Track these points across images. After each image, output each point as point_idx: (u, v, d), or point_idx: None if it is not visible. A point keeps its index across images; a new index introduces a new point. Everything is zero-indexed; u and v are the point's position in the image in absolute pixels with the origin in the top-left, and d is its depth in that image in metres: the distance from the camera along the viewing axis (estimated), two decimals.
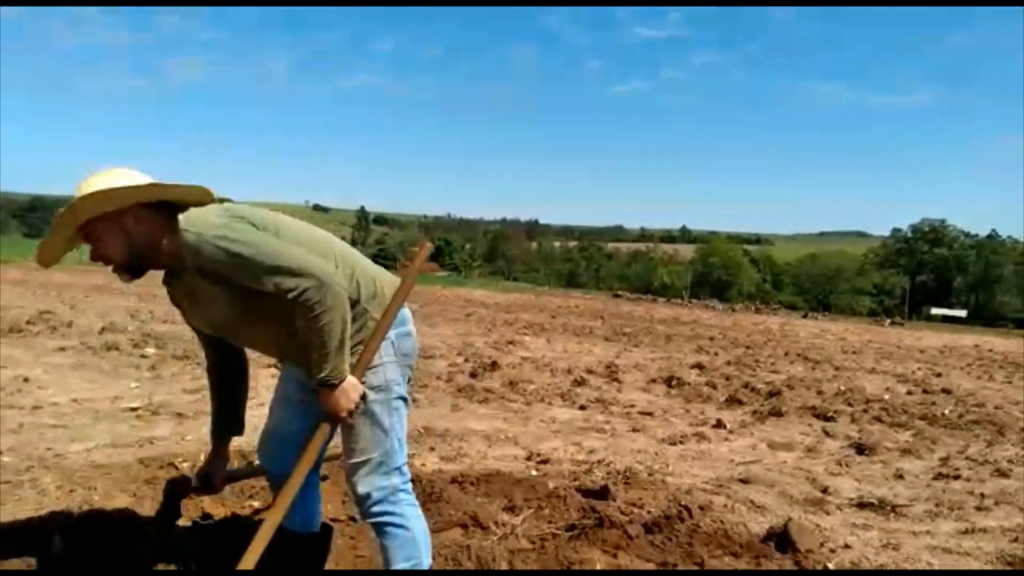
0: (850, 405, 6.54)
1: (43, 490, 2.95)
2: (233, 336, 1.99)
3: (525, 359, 8.37)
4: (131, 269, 1.82)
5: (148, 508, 2.83)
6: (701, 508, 2.89)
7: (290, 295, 1.73)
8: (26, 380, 5.16)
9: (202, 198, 1.80)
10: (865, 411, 6.25)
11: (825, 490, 3.81)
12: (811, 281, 51.50)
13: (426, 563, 2.01)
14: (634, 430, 5.07)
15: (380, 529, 1.97)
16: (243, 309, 1.83)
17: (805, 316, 24.41)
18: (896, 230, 59.69)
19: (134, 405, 4.65)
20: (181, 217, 1.78)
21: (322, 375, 1.80)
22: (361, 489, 1.93)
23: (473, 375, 6.84)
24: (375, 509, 1.94)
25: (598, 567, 2.39)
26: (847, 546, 2.91)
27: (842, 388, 7.56)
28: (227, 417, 2.17)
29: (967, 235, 56.86)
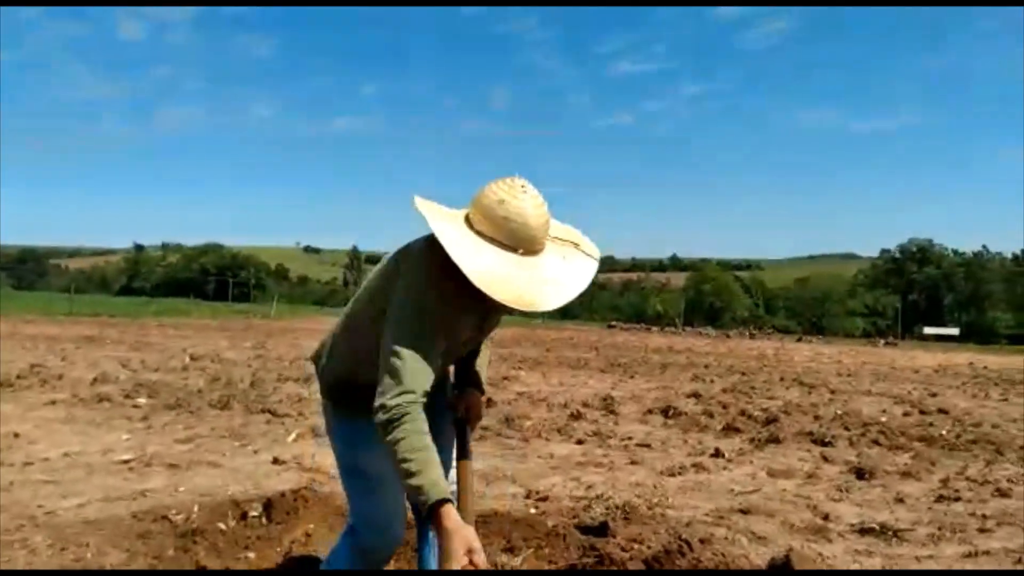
0: (847, 429, 6.53)
1: (34, 549, 2.91)
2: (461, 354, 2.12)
3: (521, 394, 8.33)
4: None
5: (141, 564, 2.79)
6: (702, 541, 2.87)
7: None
8: (16, 436, 5.10)
9: None
10: (863, 435, 6.24)
11: (826, 517, 3.78)
12: (803, 304, 51.65)
13: None
14: (632, 462, 5.04)
15: None
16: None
17: (799, 340, 24.45)
18: (885, 251, 60.13)
19: (126, 457, 4.60)
20: None
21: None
22: None
23: None
24: None
25: None
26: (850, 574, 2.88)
27: (839, 412, 7.55)
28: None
29: (956, 253, 57.34)
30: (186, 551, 2.97)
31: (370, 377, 1.78)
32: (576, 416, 6.85)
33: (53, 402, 6.64)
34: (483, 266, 1.70)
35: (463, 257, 1.69)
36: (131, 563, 2.77)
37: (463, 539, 1.59)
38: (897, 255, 57.64)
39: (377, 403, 1.70)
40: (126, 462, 4.49)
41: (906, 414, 7.78)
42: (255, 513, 3.31)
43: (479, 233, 1.75)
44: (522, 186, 1.76)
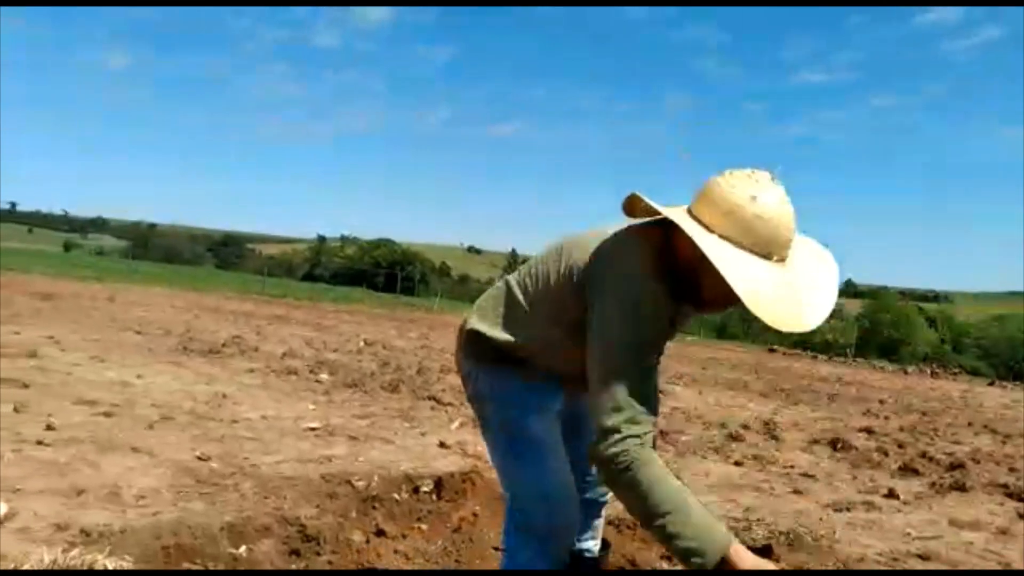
0: None
1: (244, 495, 3.33)
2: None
3: (675, 409, 8.19)
4: None
5: (329, 520, 3.10)
6: None
7: None
8: (224, 396, 5.80)
9: None
10: None
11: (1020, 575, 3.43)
12: (998, 345, 46.16)
13: None
14: (795, 492, 4.82)
15: None
16: None
17: (991, 384, 21.91)
18: None
19: (313, 425, 5.09)
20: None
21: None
22: None
23: None
24: None
25: None
26: None
27: None
28: None
29: None
30: (366, 515, 3.26)
31: (540, 358, 1.78)
32: (734, 437, 6.64)
33: (251, 370, 7.46)
34: (753, 282, 1.42)
35: (735, 274, 1.41)
36: (321, 517, 3.09)
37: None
38: None
39: (606, 435, 1.47)
40: (313, 429, 4.97)
41: None
42: (426, 489, 3.57)
43: (725, 238, 1.46)
44: (772, 178, 1.50)
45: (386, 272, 54.96)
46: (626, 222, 1.73)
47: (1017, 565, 3.64)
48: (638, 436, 1.46)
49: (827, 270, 1.58)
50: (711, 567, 1.37)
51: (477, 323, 1.88)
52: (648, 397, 1.49)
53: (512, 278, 1.91)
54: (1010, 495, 5.36)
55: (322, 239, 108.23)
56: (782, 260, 1.50)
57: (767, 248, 1.47)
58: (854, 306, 61.47)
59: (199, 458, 3.86)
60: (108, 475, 3.39)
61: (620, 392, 1.47)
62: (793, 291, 1.46)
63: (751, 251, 1.46)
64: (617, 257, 1.61)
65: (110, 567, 2.01)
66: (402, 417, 5.80)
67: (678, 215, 1.53)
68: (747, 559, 1.38)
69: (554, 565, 1.81)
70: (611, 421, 1.46)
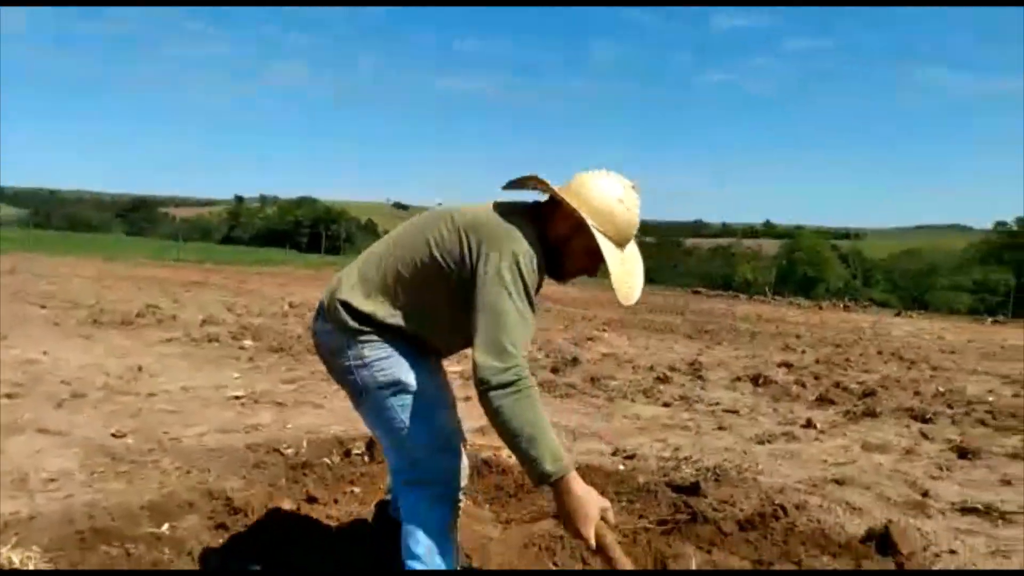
0: (950, 407, 6.24)
1: (164, 471, 3.20)
2: None
3: (606, 355, 8.35)
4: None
5: (258, 491, 3.01)
6: (796, 507, 2.85)
7: None
8: (139, 369, 5.54)
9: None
10: (967, 414, 5.95)
11: (925, 494, 3.67)
12: (905, 277, 48.91)
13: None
14: (720, 428, 5.00)
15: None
16: None
17: (899, 314, 23.28)
18: (1000, 223, 56.05)
19: (237, 394, 4.93)
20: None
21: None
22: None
23: (554, 370, 6.88)
24: None
25: (693, 563, 2.40)
26: (952, 551, 2.81)
27: (941, 389, 7.20)
28: None
29: None
30: (296, 482, 3.19)
31: (424, 328, 1.91)
32: (662, 379, 6.82)
33: (169, 340, 7.15)
34: (617, 265, 1.87)
35: (612, 258, 1.86)
36: (249, 488, 3.00)
37: (597, 500, 1.71)
38: (1015, 228, 53.63)
39: (487, 367, 1.69)
40: (237, 398, 4.82)
41: (1016, 395, 7.34)
42: (358, 451, 3.51)
43: (593, 226, 1.85)
44: (632, 186, 1.92)
45: (309, 231, 53.48)
46: (502, 197, 2.00)
47: (923, 482, 3.89)
48: (522, 368, 1.71)
49: (640, 263, 1.99)
50: (554, 476, 1.68)
51: (348, 294, 1.94)
52: (526, 341, 1.76)
53: (380, 248, 2.02)
54: (915, 417, 5.72)
55: (239, 200, 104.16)
56: (622, 249, 1.91)
57: (619, 239, 1.89)
58: (772, 247, 63.84)
59: (114, 435, 3.68)
60: (13, 460, 3.19)
61: (506, 334, 1.71)
62: (628, 275, 1.92)
63: (611, 239, 1.87)
64: (506, 227, 1.84)
65: (15, 560, 1.88)
66: (330, 380, 5.67)
67: (578, 209, 1.85)
68: (581, 483, 1.71)
69: (454, 508, 1.98)
70: (504, 355, 1.69)
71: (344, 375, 1.97)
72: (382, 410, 1.94)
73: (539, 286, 1.90)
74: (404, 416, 1.91)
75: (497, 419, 1.71)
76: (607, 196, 1.87)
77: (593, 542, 1.69)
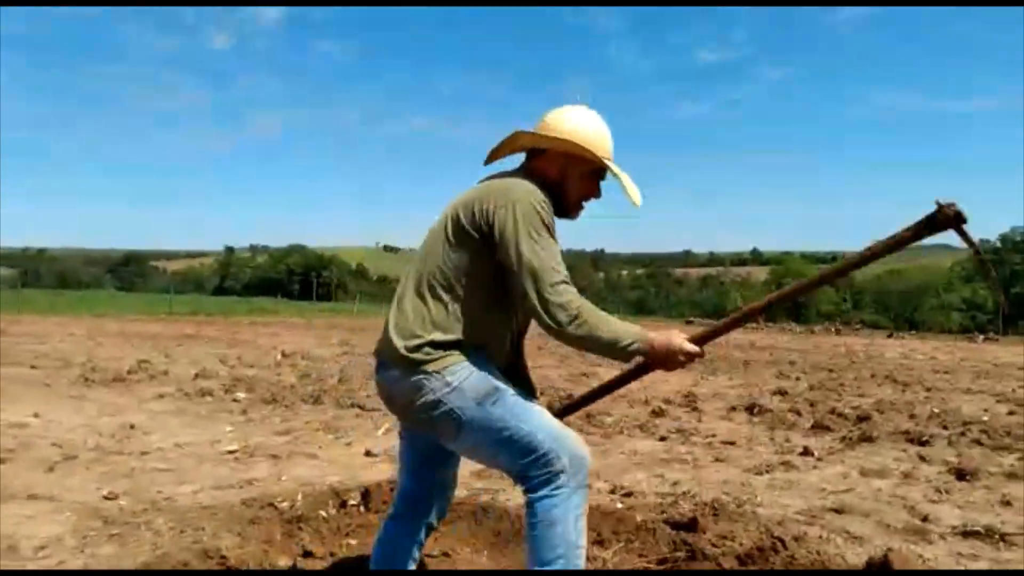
0: (946, 428, 6.25)
1: (158, 531, 3.15)
2: None
3: None
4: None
5: (253, 547, 2.98)
6: (795, 539, 2.84)
7: None
8: (132, 427, 5.49)
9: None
10: (963, 434, 5.95)
11: (925, 518, 3.66)
12: (894, 298, 49.21)
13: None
14: (718, 460, 4.99)
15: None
16: None
17: (890, 335, 23.36)
18: (984, 240, 56.75)
19: (231, 448, 4.89)
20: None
21: None
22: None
23: (549, 408, 6.85)
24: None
25: None
26: None
27: (936, 410, 7.22)
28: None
29: None
30: (292, 536, 3.15)
31: (476, 328, 1.96)
32: (658, 413, 6.81)
33: (161, 396, 7.10)
34: (629, 179, 2.06)
35: (624, 176, 2.07)
36: (244, 546, 2.97)
37: (672, 336, 1.93)
38: (998, 245, 54.21)
39: (549, 302, 1.84)
40: (231, 452, 4.77)
41: (1011, 413, 7.36)
42: (354, 501, 3.48)
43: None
44: (588, 106, 2.11)
45: (301, 279, 53.54)
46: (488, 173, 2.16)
47: (922, 506, 3.88)
48: (572, 292, 1.87)
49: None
50: (643, 347, 1.90)
51: (401, 331, 1.95)
52: (560, 263, 1.89)
53: (412, 274, 2.04)
54: (911, 440, 5.72)
55: (230, 250, 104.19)
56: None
57: (610, 154, 2.08)
58: (761, 273, 64.24)
59: (106, 497, 3.64)
60: (4, 528, 3.14)
61: (547, 273, 1.85)
62: (631, 182, 2.08)
63: (608, 158, 2.06)
64: (513, 188, 1.96)
65: None
66: (325, 429, 5.65)
67: (579, 143, 2.03)
68: (658, 339, 1.91)
69: (586, 495, 1.96)
70: (556, 287, 1.85)
71: (432, 411, 1.91)
72: (490, 423, 1.90)
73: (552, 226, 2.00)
74: (512, 417, 1.91)
75: (583, 344, 1.88)
76: (588, 124, 2.06)
77: (699, 349, 1.93)
